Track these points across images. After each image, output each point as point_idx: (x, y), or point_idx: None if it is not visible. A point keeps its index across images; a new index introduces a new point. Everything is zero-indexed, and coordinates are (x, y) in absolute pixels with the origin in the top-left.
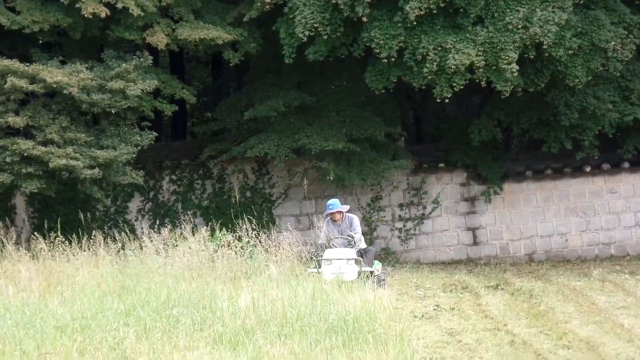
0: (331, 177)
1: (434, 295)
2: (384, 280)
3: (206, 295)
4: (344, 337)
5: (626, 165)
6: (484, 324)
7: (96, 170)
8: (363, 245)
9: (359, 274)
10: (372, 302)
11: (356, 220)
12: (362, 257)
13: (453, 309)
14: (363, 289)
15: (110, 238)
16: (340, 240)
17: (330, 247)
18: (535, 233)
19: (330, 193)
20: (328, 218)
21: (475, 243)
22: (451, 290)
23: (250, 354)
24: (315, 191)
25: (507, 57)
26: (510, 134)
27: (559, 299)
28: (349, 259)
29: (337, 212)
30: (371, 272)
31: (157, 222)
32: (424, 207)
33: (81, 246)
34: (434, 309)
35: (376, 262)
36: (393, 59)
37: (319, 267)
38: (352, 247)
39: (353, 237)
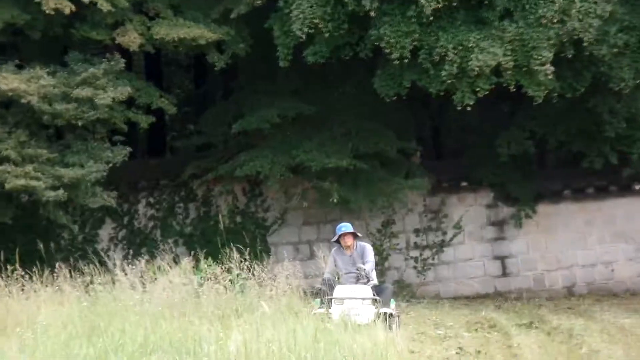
0: (335, 199)
1: (456, 335)
2: (398, 317)
3: (190, 338)
4: None
5: None
6: None
7: (60, 191)
8: (375, 280)
9: (376, 316)
10: (385, 345)
11: (369, 249)
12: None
13: (479, 352)
14: (373, 328)
15: (78, 271)
16: (353, 274)
17: (339, 283)
18: (575, 262)
19: (333, 218)
20: (336, 247)
21: (504, 274)
22: (476, 330)
23: None
24: (317, 215)
25: (540, 57)
26: (544, 147)
27: (604, 339)
28: (364, 299)
29: (350, 235)
30: (390, 315)
31: (132, 252)
32: (444, 233)
33: (43, 281)
34: (457, 353)
35: (392, 300)
36: (406, 61)
37: (328, 307)
38: (365, 283)
39: (364, 270)
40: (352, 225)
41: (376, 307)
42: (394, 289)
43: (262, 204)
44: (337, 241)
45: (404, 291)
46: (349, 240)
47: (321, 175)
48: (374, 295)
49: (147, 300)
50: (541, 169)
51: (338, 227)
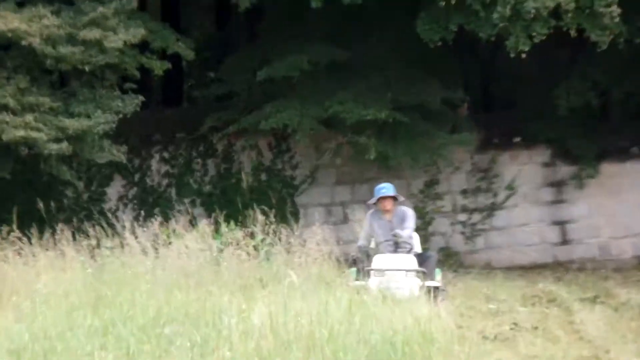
0: (372, 156)
1: (511, 310)
2: (444, 291)
3: (208, 309)
4: None
5: None
6: (578, 350)
7: (64, 144)
8: (418, 247)
9: (420, 289)
10: (428, 319)
11: (411, 214)
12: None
13: (536, 328)
14: (416, 302)
15: (82, 234)
16: (392, 241)
17: (377, 251)
18: None
19: (370, 176)
20: (373, 210)
21: (564, 242)
22: (533, 304)
23: None
24: (351, 174)
25: None
26: (609, 99)
27: None
28: (408, 270)
29: (390, 198)
30: (436, 288)
31: (144, 214)
32: (495, 195)
33: (43, 244)
34: (511, 329)
35: (437, 270)
36: (453, 2)
37: (366, 279)
38: (408, 252)
39: (401, 236)
40: (394, 186)
41: (420, 280)
42: (439, 258)
43: (290, 160)
44: (376, 204)
45: (451, 260)
46: (388, 204)
47: (357, 128)
48: (417, 265)
49: (160, 267)
50: (605, 124)
51: (377, 188)
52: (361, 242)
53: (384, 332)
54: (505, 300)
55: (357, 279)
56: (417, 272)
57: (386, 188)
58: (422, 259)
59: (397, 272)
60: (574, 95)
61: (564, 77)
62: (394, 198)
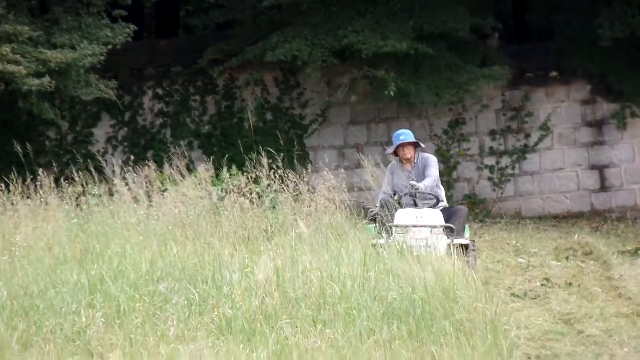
0: (391, 92)
1: (542, 264)
2: (473, 250)
3: (208, 264)
4: (410, 325)
5: None
6: (616, 307)
7: (46, 79)
8: (443, 199)
9: (448, 248)
10: (451, 274)
11: (434, 162)
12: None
13: (570, 284)
14: (439, 258)
15: (67, 180)
16: (408, 193)
17: (400, 205)
18: None
19: (388, 115)
20: (394, 160)
21: (603, 188)
22: (567, 258)
23: (272, 347)
24: (367, 112)
25: None
26: None
27: None
28: (433, 227)
29: (411, 145)
30: (465, 246)
31: (135, 157)
32: (528, 136)
33: (23, 191)
34: (542, 285)
35: (466, 227)
36: None
37: (388, 237)
38: (434, 205)
39: (417, 188)
40: (413, 132)
41: (449, 237)
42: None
43: (299, 97)
44: (395, 153)
45: (477, 209)
46: (408, 152)
47: (374, 61)
48: (444, 221)
49: (153, 217)
50: None
51: (395, 134)
52: (382, 195)
53: (402, 289)
54: (536, 254)
55: (377, 236)
56: (444, 228)
57: (405, 134)
58: (450, 213)
59: (421, 229)
60: (618, 24)
61: (607, 3)
62: (415, 145)
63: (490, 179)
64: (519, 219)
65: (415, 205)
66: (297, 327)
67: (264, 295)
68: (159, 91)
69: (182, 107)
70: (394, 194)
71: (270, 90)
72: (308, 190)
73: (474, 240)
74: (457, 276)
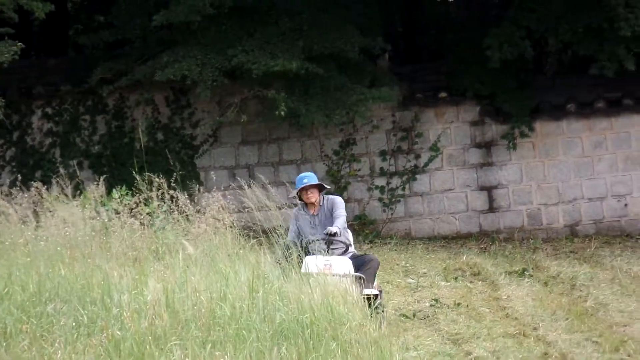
0: (282, 112)
1: (432, 285)
2: (382, 304)
3: (96, 285)
4: (298, 346)
5: None
6: (503, 327)
7: None
8: (352, 244)
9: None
10: (339, 295)
11: (341, 202)
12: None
13: (459, 304)
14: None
15: None
16: (321, 241)
17: (307, 250)
18: (581, 194)
19: (280, 135)
20: (298, 206)
21: (492, 209)
22: (456, 278)
23: None
24: (259, 132)
25: None
26: (544, 49)
27: (614, 291)
28: (342, 276)
29: (315, 188)
30: (375, 296)
31: (23, 177)
32: (418, 157)
33: None
34: (431, 305)
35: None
36: None
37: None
38: (344, 252)
39: (336, 233)
40: (298, 146)
41: (360, 287)
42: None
43: (190, 117)
44: (300, 197)
45: (367, 229)
46: (312, 196)
47: (265, 81)
48: (354, 270)
49: (41, 237)
50: (540, 78)
51: (298, 178)
52: (289, 240)
53: (290, 310)
54: (425, 274)
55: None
56: (354, 277)
57: (308, 177)
58: (359, 262)
59: (330, 277)
60: (507, 45)
61: (495, 24)
62: (320, 188)
63: (380, 199)
64: (409, 240)
65: (327, 251)
66: (186, 349)
67: (154, 317)
68: (48, 110)
69: (71, 126)
70: (300, 241)
71: (161, 110)
72: (198, 211)
73: (382, 291)
74: (344, 297)
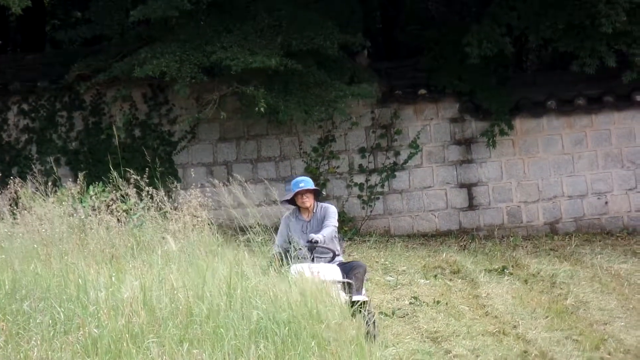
0: (261, 109)
1: (411, 282)
2: (372, 312)
3: (73, 283)
4: (276, 344)
5: None
6: (483, 326)
7: None
8: (340, 253)
9: (348, 304)
10: (317, 293)
11: (333, 212)
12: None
13: (438, 302)
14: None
15: None
16: (304, 246)
17: (296, 257)
18: (561, 192)
19: (258, 132)
20: (289, 212)
21: (471, 206)
22: (435, 276)
23: None
24: (237, 129)
25: None
26: (524, 46)
27: (594, 289)
28: (332, 282)
29: (310, 193)
30: (364, 303)
31: (0, 174)
32: (397, 154)
33: None
34: (411, 303)
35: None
36: None
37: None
38: (331, 260)
39: (317, 242)
40: (277, 143)
41: (349, 294)
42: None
43: (168, 114)
44: (293, 202)
45: (346, 226)
46: (308, 201)
47: (243, 78)
48: (343, 277)
49: (17, 235)
50: (520, 74)
51: (294, 182)
52: (276, 248)
53: (268, 308)
54: (404, 272)
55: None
56: (342, 284)
57: (305, 182)
58: (347, 268)
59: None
60: (486, 42)
61: (475, 21)
62: (315, 192)
63: (359, 196)
64: (388, 237)
65: (313, 259)
66: (164, 346)
67: (131, 314)
68: (25, 107)
69: (48, 123)
70: (289, 247)
71: (139, 106)
72: (176, 207)
73: (369, 299)
74: (322, 295)
